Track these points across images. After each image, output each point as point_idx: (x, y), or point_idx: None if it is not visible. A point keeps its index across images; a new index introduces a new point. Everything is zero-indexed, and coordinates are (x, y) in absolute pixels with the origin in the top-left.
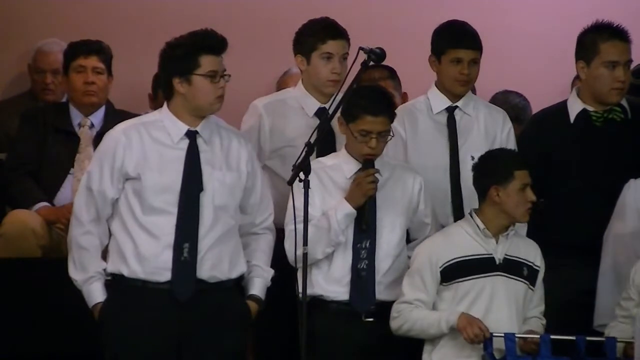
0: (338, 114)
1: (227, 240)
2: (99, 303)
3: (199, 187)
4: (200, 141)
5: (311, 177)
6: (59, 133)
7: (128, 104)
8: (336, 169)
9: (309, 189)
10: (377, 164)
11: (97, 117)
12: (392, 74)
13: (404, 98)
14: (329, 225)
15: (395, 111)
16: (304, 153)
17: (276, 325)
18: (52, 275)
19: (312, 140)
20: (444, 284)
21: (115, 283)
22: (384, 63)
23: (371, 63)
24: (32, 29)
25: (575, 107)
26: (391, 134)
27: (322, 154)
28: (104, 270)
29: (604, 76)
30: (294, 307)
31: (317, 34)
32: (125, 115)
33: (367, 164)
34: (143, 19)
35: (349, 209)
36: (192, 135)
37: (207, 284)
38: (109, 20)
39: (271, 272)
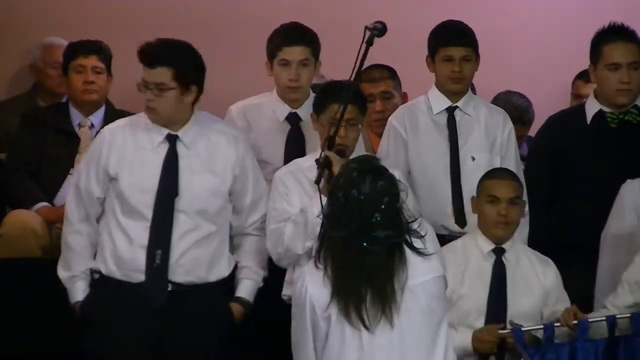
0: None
1: (205, 245)
2: (78, 301)
3: (174, 193)
4: (180, 145)
5: (289, 179)
6: (59, 133)
7: (128, 104)
8: (313, 170)
9: (288, 190)
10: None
11: (97, 117)
12: (392, 74)
13: (404, 98)
14: (306, 220)
15: (396, 111)
16: (325, 147)
17: (276, 324)
18: (52, 275)
19: (331, 133)
20: None
21: (95, 280)
22: (385, 64)
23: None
24: (32, 30)
25: (592, 108)
26: (360, 124)
27: (291, 157)
28: (91, 269)
29: (607, 79)
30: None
31: (274, 41)
32: (125, 115)
33: (340, 154)
34: (143, 19)
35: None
36: (172, 140)
37: (183, 287)
38: (109, 20)
39: (262, 272)
